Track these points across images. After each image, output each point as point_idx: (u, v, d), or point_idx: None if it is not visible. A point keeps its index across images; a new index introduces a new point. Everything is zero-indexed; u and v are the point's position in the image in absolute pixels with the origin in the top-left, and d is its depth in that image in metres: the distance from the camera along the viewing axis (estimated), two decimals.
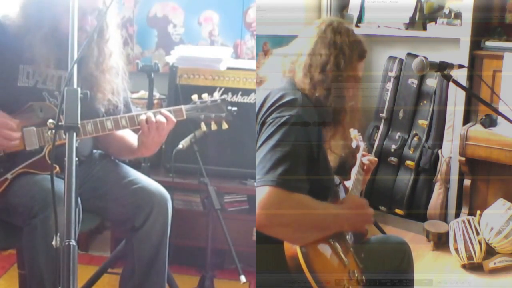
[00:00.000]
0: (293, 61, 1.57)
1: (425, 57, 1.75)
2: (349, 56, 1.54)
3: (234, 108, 2.02)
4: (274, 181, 1.27)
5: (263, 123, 1.41)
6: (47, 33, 1.85)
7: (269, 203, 1.27)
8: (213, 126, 2.01)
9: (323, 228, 1.39)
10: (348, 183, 1.86)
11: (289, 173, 1.29)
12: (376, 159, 2.05)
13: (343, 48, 1.54)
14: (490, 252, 2.78)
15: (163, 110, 1.93)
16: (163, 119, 1.90)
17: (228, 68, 2.76)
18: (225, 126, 2.02)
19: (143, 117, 1.89)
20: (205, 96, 2.01)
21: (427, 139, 3.16)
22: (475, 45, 2.87)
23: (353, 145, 2.02)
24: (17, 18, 1.88)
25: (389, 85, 3.28)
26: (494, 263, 2.74)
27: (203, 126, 2.01)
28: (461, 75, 2.62)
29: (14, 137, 1.81)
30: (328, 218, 1.40)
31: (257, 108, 1.49)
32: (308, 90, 1.50)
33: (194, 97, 2.00)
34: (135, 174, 2.08)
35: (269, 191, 1.27)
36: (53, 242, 1.22)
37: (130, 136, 2.04)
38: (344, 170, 1.92)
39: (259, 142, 1.37)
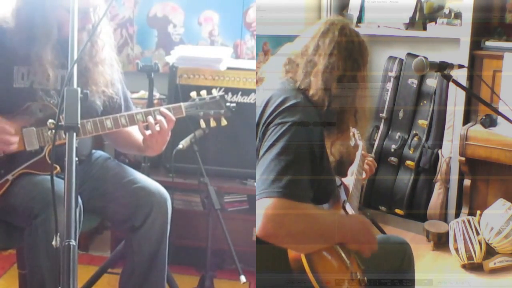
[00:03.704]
0: (296, 61, 1.54)
1: (425, 57, 1.76)
2: (353, 57, 1.52)
3: (233, 104, 2.02)
4: (280, 192, 1.25)
5: (266, 129, 1.39)
6: (40, 33, 1.84)
7: (275, 214, 1.25)
8: (212, 123, 2.01)
9: (328, 238, 1.37)
10: (347, 181, 1.86)
11: (294, 183, 1.27)
12: (375, 162, 2.05)
13: (348, 49, 1.51)
14: (490, 252, 2.78)
15: (162, 108, 1.93)
16: (163, 121, 1.90)
17: (228, 68, 2.75)
18: (224, 122, 2.02)
19: (141, 117, 1.90)
20: (203, 93, 2.00)
21: (427, 139, 3.16)
22: (475, 45, 2.87)
23: (351, 143, 2.01)
24: (10, 20, 1.87)
25: (389, 85, 3.28)
26: (494, 263, 2.74)
27: (202, 123, 2.01)
28: (461, 75, 2.61)
29: (12, 141, 1.81)
30: (333, 228, 1.38)
31: (259, 111, 1.46)
32: (311, 91, 1.47)
33: (193, 94, 2.00)
34: (134, 174, 2.08)
35: (275, 202, 1.24)
36: (53, 242, 1.22)
37: (137, 133, 2.03)
38: (342, 169, 1.92)
39: (262, 150, 1.35)
